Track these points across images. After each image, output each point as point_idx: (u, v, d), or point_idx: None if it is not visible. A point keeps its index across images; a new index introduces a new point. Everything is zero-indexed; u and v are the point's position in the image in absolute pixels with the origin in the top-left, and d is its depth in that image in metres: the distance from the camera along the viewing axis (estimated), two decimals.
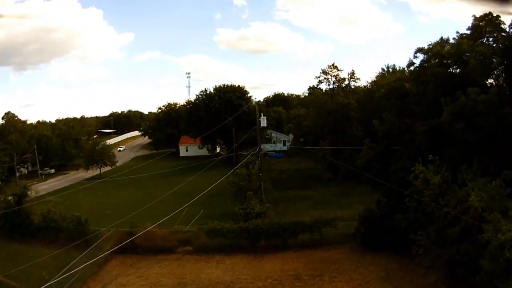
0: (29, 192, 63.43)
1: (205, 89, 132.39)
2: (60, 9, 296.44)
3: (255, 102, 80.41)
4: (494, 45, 50.60)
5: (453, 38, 57.78)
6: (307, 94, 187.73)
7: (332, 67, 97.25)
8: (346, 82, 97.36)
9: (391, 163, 47.51)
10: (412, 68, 54.39)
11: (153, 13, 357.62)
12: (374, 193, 53.10)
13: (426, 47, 52.67)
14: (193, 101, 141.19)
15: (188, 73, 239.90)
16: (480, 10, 52.66)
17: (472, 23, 54.52)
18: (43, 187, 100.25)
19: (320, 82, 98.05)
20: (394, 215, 43.27)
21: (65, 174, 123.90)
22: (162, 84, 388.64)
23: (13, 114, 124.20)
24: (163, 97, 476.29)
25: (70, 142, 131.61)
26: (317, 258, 46.99)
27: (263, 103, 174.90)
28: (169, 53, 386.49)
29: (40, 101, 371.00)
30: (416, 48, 58.39)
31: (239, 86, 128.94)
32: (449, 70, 49.26)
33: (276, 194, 73.10)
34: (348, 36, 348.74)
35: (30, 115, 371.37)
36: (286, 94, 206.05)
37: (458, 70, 48.89)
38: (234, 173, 67.72)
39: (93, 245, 48.66)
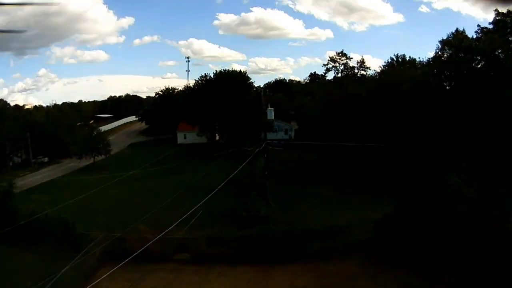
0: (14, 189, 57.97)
1: (205, 74, 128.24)
2: None
3: (261, 90, 75.94)
4: None
5: (475, 32, 54.81)
6: (308, 81, 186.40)
7: (340, 54, 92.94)
8: (356, 71, 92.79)
9: (412, 163, 43.11)
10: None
11: None
12: (388, 193, 48.53)
13: (452, 40, 49.18)
14: (192, 86, 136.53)
15: (188, 58, 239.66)
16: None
17: (495, 19, 51.63)
18: (35, 178, 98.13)
19: (328, 70, 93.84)
20: (417, 224, 38.52)
21: (58, 162, 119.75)
22: (161, 68, 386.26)
23: (5, 102, 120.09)
24: (162, 82, 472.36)
25: (64, 129, 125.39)
26: (330, 271, 41.98)
27: (264, 88, 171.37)
28: (169, 37, 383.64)
29: (40, 85, 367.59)
30: (442, 40, 54.97)
31: (240, 71, 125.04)
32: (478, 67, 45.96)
33: (279, 191, 67.29)
34: (349, 24, 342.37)
35: (30, 100, 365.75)
36: (287, 80, 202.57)
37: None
38: (236, 168, 62.38)
39: (81, 253, 43.68)
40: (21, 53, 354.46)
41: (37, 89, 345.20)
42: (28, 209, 52.17)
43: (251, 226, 48.26)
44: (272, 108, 62.29)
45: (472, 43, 48.88)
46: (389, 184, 49.86)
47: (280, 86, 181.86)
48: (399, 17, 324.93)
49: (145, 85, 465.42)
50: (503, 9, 51.42)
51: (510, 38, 49.50)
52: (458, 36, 55.51)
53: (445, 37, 68.47)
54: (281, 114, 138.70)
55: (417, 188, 40.45)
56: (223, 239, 46.52)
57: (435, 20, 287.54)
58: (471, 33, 58.81)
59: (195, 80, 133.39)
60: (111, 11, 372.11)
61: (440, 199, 34.60)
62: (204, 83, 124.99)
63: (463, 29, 60.34)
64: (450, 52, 51.04)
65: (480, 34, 53.19)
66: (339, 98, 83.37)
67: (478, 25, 54.58)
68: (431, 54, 65.06)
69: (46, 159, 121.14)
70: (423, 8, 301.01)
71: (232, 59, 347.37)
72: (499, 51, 45.16)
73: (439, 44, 65.47)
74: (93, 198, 68.52)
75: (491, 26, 53.27)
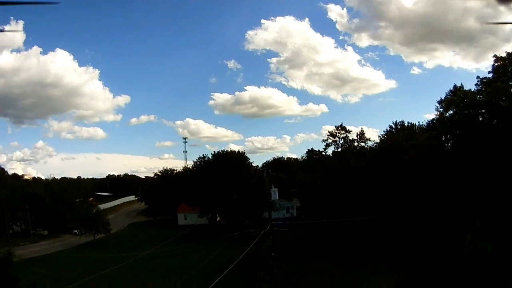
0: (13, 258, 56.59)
1: (203, 155, 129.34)
2: (56, 65, 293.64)
3: (264, 170, 75.39)
4: None
5: (475, 84, 54.58)
6: (306, 157, 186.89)
7: (340, 128, 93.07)
8: (356, 143, 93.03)
9: (422, 231, 41.96)
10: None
11: (149, 76, 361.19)
12: (392, 263, 48.43)
13: (456, 98, 48.85)
14: (191, 167, 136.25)
15: (185, 138, 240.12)
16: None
17: (494, 65, 51.29)
18: (34, 249, 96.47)
19: (327, 145, 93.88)
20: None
21: (58, 237, 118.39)
22: (158, 149, 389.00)
23: (3, 169, 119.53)
24: (159, 163, 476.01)
25: (63, 204, 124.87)
26: None
27: (266, 169, 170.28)
28: (165, 116, 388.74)
29: (38, 158, 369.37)
30: (442, 99, 54.67)
31: (239, 152, 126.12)
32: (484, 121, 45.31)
33: (287, 269, 64.43)
34: (342, 97, 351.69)
35: (28, 170, 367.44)
36: (285, 159, 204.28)
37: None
38: (241, 249, 60.50)
39: None
40: (19, 122, 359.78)
41: (35, 161, 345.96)
42: (29, 280, 50.97)
43: None
44: (276, 189, 61.69)
45: (476, 96, 48.22)
46: (398, 254, 48.25)
47: (278, 165, 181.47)
48: (391, 83, 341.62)
49: (143, 165, 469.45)
50: (501, 52, 51.57)
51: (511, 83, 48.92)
52: (459, 93, 55.46)
53: (443, 96, 69.05)
54: (282, 193, 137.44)
55: (431, 251, 39.45)
56: None
57: (428, 80, 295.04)
58: (468, 87, 58.79)
59: (193, 161, 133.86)
60: (107, 88, 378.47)
61: (456, 259, 33.51)
62: (203, 164, 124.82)
63: (461, 85, 60.33)
64: (453, 110, 50.39)
65: (481, 86, 52.69)
66: (340, 173, 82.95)
67: (478, 77, 54.07)
68: (430, 116, 65.08)
69: (45, 232, 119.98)
70: (415, 70, 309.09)
71: (228, 139, 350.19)
72: (503, 98, 44.39)
73: (438, 105, 65.43)
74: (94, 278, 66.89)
75: (490, 75, 52.77)
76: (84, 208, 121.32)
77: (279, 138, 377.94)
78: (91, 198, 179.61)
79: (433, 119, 63.92)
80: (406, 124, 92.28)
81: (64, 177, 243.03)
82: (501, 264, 31.21)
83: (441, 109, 64.12)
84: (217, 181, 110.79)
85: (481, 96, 50.05)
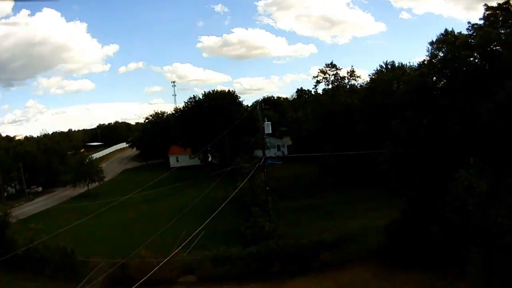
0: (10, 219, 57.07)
1: (193, 95, 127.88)
2: (45, 24, 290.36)
3: (257, 104, 74.20)
4: None
5: (467, 29, 53.86)
6: (295, 97, 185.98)
7: (330, 65, 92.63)
8: (346, 81, 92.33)
9: (415, 167, 41.88)
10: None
11: (136, 24, 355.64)
12: (387, 198, 49.67)
13: (447, 38, 48.35)
14: (181, 108, 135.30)
15: (173, 82, 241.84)
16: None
17: (485, 14, 50.73)
18: (30, 208, 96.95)
19: (318, 82, 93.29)
20: (425, 225, 37.69)
21: (52, 192, 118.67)
22: (148, 94, 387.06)
23: None
24: (149, 108, 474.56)
25: (56, 158, 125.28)
26: (343, 280, 40.17)
27: (255, 103, 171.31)
28: (154, 63, 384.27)
29: (29, 116, 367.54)
30: (434, 40, 54.08)
31: (229, 91, 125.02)
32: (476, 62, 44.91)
33: (281, 205, 65.86)
34: (331, 38, 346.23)
35: (19, 131, 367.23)
36: (275, 97, 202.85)
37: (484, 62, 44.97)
38: (235, 186, 60.42)
39: (84, 281, 41.97)
40: (9, 85, 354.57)
41: (27, 120, 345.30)
42: (25, 238, 50.59)
43: (256, 243, 46.40)
44: (269, 122, 61.09)
45: (468, 39, 47.76)
46: (392, 190, 48.38)
47: (268, 103, 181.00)
48: (381, 26, 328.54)
49: (133, 111, 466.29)
50: (492, 3, 51.11)
51: (502, 31, 48.40)
52: (450, 36, 54.82)
53: (433, 41, 68.91)
54: (273, 131, 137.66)
55: (425, 187, 39.48)
56: (229, 258, 44.27)
57: (418, 25, 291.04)
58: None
59: (184, 102, 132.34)
60: (95, 39, 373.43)
61: (450, 196, 33.51)
62: (193, 104, 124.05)
63: (452, 29, 59.79)
64: (444, 51, 49.89)
65: (472, 31, 52.17)
66: (332, 109, 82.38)
67: (469, 22, 53.16)
68: (420, 59, 64.95)
69: (40, 189, 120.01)
70: (404, 15, 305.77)
71: (217, 81, 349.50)
72: (494, 43, 44.06)
73: (430, 46, 64.82)
74: (90, 225, 67.21)
75: (481, 22, 52.28)
76: (76, 159, 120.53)
77: (267, 78, 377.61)
78: (82, 149, 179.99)
79: (424, 60, 63.72)
80: (396, 64, 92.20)
81: (55, 132, 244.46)
82: (496, 202, 31.21)
83: (432, 50, 63.79)
84: (207, 120, 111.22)
85: (472, 40, 49.67)
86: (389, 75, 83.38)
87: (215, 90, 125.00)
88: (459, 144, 39.50)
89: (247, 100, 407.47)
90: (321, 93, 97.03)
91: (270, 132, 62.33)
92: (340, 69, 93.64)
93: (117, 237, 63.19)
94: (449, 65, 46.49)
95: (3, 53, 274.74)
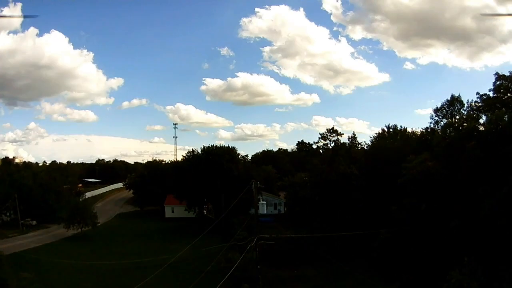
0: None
1: (192, 150, 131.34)
2: (51, 47, 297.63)
3: (252, 183, 77.85)
4: None
5: (475, 102, 55.67)
6: (296, 149, 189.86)
7: (331, 131, 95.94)
8: (347, 146, 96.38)
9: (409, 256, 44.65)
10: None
11: (142, 60, 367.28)
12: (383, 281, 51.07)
13: (455, 121, 50.29)
14: (180, 160, 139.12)
15: (175, 124, 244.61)
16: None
17: (495, 83, 53.61)
18: (23, 241, 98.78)
19: (318, 148, 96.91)
20: None
21: (46, 227, 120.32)
22: (149, 133, 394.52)
23: None
24: (150, 146, 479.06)
25: (52, 194, 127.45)
26: None
27: (251, 160, 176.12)
28: (157, 101, 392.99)
29: (30, 139, 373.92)
30: (440, 107, 56.36)
31: (228, 147, 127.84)
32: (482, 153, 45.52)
33: (271, 274, 68.04)
34: (334, 88, 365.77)
35: (20, 152, 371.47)
36: (274, 151, 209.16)
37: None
38: (226, 257, 63.76)
39: None
40: (12, 103, 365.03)
41: (27, 142, 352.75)
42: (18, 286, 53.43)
43: None
44: (264, 202, 63.55)
45: (474, 124, 49.04)
46: (385, 271, 50.99)
47: (267, 158, 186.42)
48: (384, 77, 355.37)
49: (133, 148, 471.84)
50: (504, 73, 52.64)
51: None
52: (456, 103, 57.17)
53: (437, 107, 73.22)
54: (270, 186, 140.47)
55: (417, 280, 42.04)
56: None
57: (422, 76, 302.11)
58: (464, 93, 60.13)
59: (182, 156, 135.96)
60: (101, 71, 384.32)
61: None
62: (192, 158, 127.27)
63: (459, 95, 61.99)
64: (451, 134, 51.40)
65: (481, 103, 53.85)
66: (330, 178, 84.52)
67: (478, 93, 55.09)
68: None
69: (34, 222, 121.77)
70: (408, 65, 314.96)
71: (219, 125, 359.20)
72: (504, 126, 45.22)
73: (434, 113, 67.85)
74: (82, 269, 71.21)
75: (491, 93, 53.33)
76: (72, 201, 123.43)
77: (269, 126, 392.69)
78: (80, 185, 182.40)
79: (428, 128, 65.94)
80: (399, 128, 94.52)
81: (54, 161, 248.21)
82: None
83: (436, 118, 66.25)
84: (205, 175, 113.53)
85: (481, 115, 51.39)
86: (391, 144, 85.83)
87: (214, 145, 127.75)
88: (456, 237, 41.60)
89: (248, 146, 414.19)
90: (320, 158, 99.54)
91: (265, 212, 65.22)
92: (341, 135, 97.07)
93: None
94: (454, 153, 47.66)
95: (9, 70, 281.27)
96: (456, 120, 57.48)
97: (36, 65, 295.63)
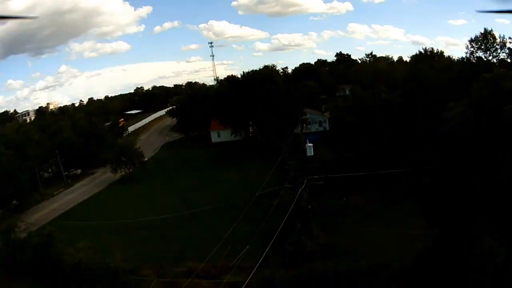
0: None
1: (231, 75, 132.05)
2: None
3: (300, 126, 74.89)
4: None
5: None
6: (334, 61, 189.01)
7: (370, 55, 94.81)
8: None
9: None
10: None
11: None
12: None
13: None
14: (220, 80, 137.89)
15: (211, 43, 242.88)
16: None
17: None
18: (69, 197, 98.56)
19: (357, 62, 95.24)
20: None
21: (92, 173, 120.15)
22: (185, 53, 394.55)
23: (27, 127, 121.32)
24: (187, 66, 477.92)
25: (94, 140, 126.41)
26: None
27: (292, 75, 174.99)
28: (189, 21, 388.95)
29: (62, 81, 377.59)
30: (474, 38, 53.96)
31: (267, 68, 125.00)
32: None
33: (320, 203, 66.06)
34: None
35: (52, 96, 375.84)
36: (313, 64, 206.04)
37: None
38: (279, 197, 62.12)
39: None
40: (39, 53, 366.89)
41: (60, 85, 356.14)
42: (74, 258, 52.20)
43: (297, 263, 49.55)
44: (311, 144, 61.44)
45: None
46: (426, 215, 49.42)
47: (308, 71, 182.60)
48: None
49: (170, 70, 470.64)
50: None
51: None
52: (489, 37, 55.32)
53: (472, 38, 75.80)
54: (313, 101, 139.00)
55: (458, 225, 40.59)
56: (274, 282, 47.53)
57: None
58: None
59: (222, 80, 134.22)
60: (127, 2, 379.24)
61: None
62: (232, 85, 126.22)
63: (491, 29, 60.59)
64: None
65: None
66: (372, 105, 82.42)
67: None
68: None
69: (79, 171, 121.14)
70: None
71: (254, 37, 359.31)
72: None
73: (469, 44, 67.10)
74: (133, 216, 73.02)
75: None
76: (115, 143, 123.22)
77: (305, 35, 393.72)
78: (121, 119, 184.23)
79: (464, 58, 64.35)
80: (435, 51, 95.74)
81: (91, 98, 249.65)
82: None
83: (471, 49, 64.77)
84: (246, 100, 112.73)
85: None
86: (427, 72, 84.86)
87: (253, 70, 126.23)
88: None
89: (287, 56, 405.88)
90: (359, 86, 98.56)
91: (312, 154, 63.40)
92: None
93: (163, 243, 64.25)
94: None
95: (30, 24, 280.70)
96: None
97: (58, 12, 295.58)
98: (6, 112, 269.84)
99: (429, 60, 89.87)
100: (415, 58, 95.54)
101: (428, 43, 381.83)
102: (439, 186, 45.57)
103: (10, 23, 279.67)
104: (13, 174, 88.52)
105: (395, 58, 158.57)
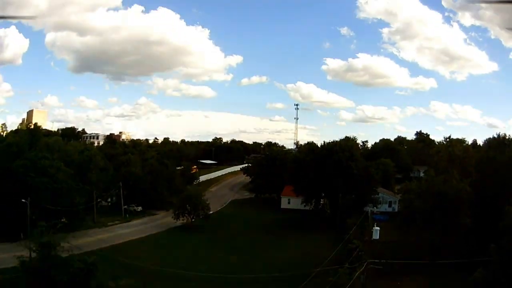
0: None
1: (312, 142, 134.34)
2: (161, 23, 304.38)
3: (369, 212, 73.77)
4: None
5: None
6: (414, 139, 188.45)
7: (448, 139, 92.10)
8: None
9: None
10: None
11: (261, 38, 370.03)
12: None
13: None
14: (299, 146, 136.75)
15: (297, 105, 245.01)
16: None
17: None
18: (124, 231, 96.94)
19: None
20: None
21: (153, 214, 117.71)
22: (269, 110, 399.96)
23: (93, 152, 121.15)
24: (270, 124, 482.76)
25: (162, 182, 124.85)
26: None
27: (371, 150, 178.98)
28: (277, 79, 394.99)
29: (140, 113, 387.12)
30: None
31: (348, 140, 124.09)
32: None
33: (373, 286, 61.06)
34: (450, 73, 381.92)
35: (126, 126, 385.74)
36: (393, 141, 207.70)
37: None
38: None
39: None
40: (118, 78, 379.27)
41: (137, 116, 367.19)
42: None
43: None
44: (378, 228, 58.78)
45: None
46: None
47: (386, 149, 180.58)
48: (493, 66, 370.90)
49: (252, 125, 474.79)
50: None
51: None
52: None
53: None
54: (386, 181, 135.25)
55: None
56: None
57: None
58: None
59: (301, 145, 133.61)
60: (218, 48, 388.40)
61: None
62: (311, 154, 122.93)
63: None
64: None
65: None
66: (442, 191, 77.48)
67: None
68: None
69: (139, 208, 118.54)
70: None
71: (340, 105, 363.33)
72: None
73: None
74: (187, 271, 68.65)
75: None
76: (185, 191, 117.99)
77: (390, 109, 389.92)
78: (194, 166, 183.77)
79: None
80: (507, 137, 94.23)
81: (167, 138, 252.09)
82: None
83: None
84: (325, 172, 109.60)
85: None
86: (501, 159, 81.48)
87: (334, 141, 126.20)
88: None
89: (369, 129, 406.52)
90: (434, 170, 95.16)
91: (377, 238, 61.54)
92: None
93: None
94: None
95: (112, 46, 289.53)
96: None
97: (145, 41, 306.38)
98: (73, 129, 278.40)
99: (502, 147, 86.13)
100: (488, 143, 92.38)
101: (501, 126, 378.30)
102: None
103: (91, 40, 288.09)
104: (68, 193, 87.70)
105: (470, 141, 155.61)
